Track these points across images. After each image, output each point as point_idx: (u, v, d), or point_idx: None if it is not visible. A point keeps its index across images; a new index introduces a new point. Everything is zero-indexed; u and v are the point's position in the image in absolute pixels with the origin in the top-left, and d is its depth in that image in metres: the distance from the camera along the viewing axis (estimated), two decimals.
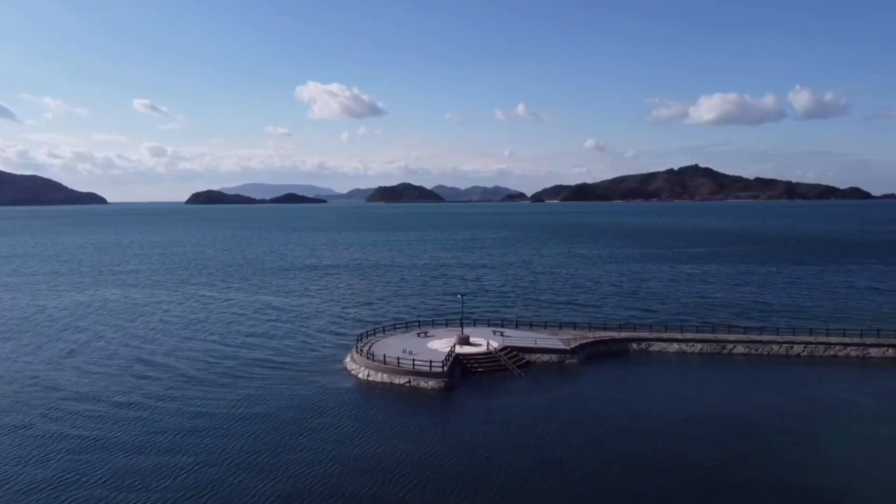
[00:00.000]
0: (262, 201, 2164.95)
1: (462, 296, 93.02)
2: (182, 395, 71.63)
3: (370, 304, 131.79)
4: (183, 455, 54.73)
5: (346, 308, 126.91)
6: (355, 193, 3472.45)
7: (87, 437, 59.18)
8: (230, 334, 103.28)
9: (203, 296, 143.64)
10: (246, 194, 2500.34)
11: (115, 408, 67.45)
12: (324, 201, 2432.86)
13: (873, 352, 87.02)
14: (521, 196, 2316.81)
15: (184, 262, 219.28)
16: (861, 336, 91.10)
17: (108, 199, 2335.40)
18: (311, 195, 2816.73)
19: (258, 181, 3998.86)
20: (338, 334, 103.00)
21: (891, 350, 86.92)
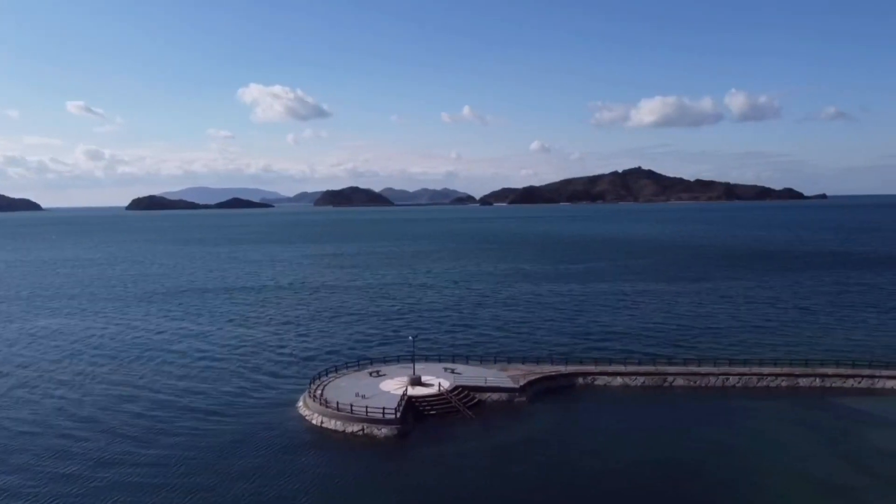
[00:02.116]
0: (207, 206, 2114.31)
1: (413, 338, 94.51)
2: (116, 461, 67.84)
3: (317, 334, 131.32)
4: None
5: (292, 339, 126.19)
6: (303, 197, 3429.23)
7: None
8: (171, 377, 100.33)
9: (141, 328, 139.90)
10: (189, 199, 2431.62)
11: (31, 478, 63.94)
12: (270, 206, 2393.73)
13: (802, 382, 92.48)
14: (470, 199, 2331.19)
15: (122, 285, 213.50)
16: (791, 365, 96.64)
17: (43, 205, 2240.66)
18: (257, 199, 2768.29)
19: (202, 185, 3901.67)
20: (285, 374, 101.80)
21: (818, 380, 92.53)
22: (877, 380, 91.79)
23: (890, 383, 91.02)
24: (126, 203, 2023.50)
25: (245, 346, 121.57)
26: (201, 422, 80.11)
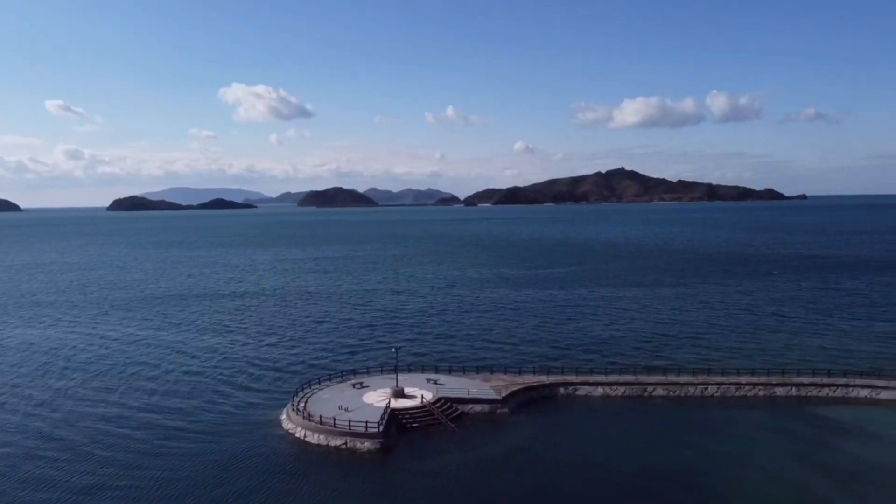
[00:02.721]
0: (189, 207, 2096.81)
1: (396, 350, 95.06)
2: (93, 485, 65.71)
3: (299, 343, 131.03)
4: None
5: (273, 349, 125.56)
6: (286, 197, 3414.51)
7: None
8: (146, 392, 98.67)
9: (119, 338, 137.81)
10: (171, 200, 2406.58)
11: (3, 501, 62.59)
12: (254, 206, 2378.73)
13: (779, 391, 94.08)
14: (454, 199, 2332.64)
15: (99, 291, 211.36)
16: (768, 374, 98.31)
17: (22, 206, 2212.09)
18: (240, 200, 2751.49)
19: (184, 185, 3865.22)
20: (267, 387, 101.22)
21: (794, 389, 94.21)
22: (851, 388, 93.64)
23: (864, 392, 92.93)
24: (107, 204, 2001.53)
25: (225, 356, 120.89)
26: (181, 440, 79.37)
